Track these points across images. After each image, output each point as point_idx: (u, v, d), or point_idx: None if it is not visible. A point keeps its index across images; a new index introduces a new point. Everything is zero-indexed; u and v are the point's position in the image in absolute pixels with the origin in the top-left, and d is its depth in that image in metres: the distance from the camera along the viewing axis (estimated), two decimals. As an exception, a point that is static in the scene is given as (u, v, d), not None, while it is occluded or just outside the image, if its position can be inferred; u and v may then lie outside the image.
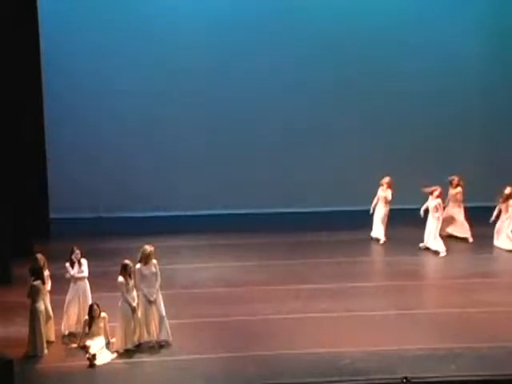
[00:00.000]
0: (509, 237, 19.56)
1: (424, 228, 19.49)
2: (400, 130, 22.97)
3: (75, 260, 14.82)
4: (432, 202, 19.30)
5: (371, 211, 20.23)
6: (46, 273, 14.61)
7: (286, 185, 22.72)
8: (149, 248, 14.31)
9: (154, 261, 14.33)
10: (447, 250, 19.28)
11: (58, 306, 14.81)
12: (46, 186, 21.06)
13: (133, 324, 14.15)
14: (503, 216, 19.67)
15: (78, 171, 22.23)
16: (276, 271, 18.23)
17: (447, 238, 19.92)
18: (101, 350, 13.87)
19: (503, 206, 19.61)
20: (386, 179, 20.12)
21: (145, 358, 13.95)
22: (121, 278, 14.12)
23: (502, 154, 22.87)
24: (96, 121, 22.43)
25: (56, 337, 14.63)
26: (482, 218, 19.91)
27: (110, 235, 20.67)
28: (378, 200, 20.19)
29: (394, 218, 20.17)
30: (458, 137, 22.95)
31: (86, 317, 14.29)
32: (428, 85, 22.76)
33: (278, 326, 15.09)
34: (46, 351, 14.10)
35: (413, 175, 21.08)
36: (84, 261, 14.92)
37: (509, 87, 23.09)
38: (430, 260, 19.18)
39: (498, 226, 19.75)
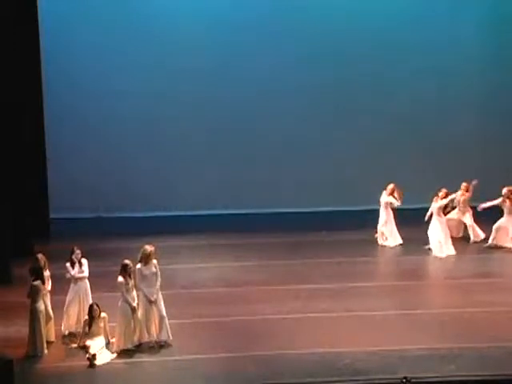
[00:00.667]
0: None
1: (426, 228, 19.49)
2: (400, 130, 22.99)
3: (76, 260, 14.80)
4: (436, 204, 19.30)
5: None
6: (47, 273, 14.60)
7: (286, 185, 22.73)
8: (149, 248, 14.31)
9: (155, 261, 14.32)
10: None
11: (58, 306, 14.80)
12: (45, 186, 21.07)
13: (133, 324, 14.14)
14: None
15: (78, 171, 22.26)
16: (276, 271, 18.23)
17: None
18: (101, 350, 13.86)
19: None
20: (390, 186, 20.02)
21: (145, 358, 13.93)
22: (120, 278, 14.11)
23: (501, 155, 22.88)
24: (96, 121, 22.45)
25: (56, 337, 14.61)
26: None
27: (110, 235, 20.69)
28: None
29: (394, 218, 20.17)
30: (458, 137, 22.96)
31: (86, 317, 14.28)
32: (428, 85, 22.78)
33: (278, 326, 15.08)
34: (46, 351, 14.08)
35: (413, 175, 21.11)
36: (84, 261, 14.90)
37: (509, 87, 23.11)
38: (431, 260, 19.16)
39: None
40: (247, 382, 12.91)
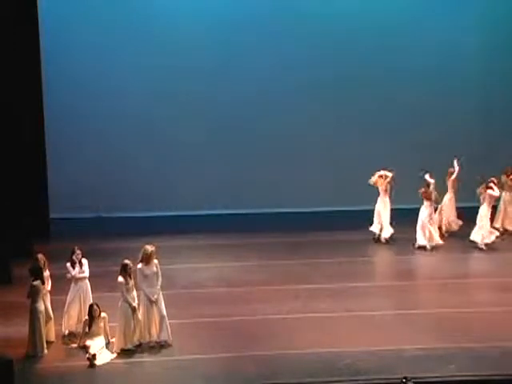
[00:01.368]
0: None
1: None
2: (400, 130, 22.99)
3: (76, 260, 14.81)
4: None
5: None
6: (46, 273, 14.60)
7: (286, 185, 22.73)
8: (150, 248, 14.31)
9: (156, 261, 14.33)
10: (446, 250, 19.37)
11: (58, 306, 14.80)
12: (45, 186, 21.06)
13: (133, 324, 14.15)
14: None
15: (78, 171, 22.25)
16: (276, 271, 18.23)
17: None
18: (101, 350, 13.86)
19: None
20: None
21: (145, 358, 13.94)
22: (120, 278, 14.12)
23: (501, 155, 22.87)
24: (96, 121, 22.45)
25: (56, 337, 14.62)
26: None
27: (110, 235, 20.69)
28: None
29: (394, 218, 20.20)
30: (458, 137, 22.96)
31: (86, 317, 14.29)
32: (428, 85, 22.77)
33: (278, 326, 15.09)
34: (46, 351, 14.09)
35: (413, 175, 21.07)
36: (85, 261, 14.90)
37: (509, 87, 23.12)
38: (430, 260, 19.18)
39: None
40: (247, 382, 12.92)
